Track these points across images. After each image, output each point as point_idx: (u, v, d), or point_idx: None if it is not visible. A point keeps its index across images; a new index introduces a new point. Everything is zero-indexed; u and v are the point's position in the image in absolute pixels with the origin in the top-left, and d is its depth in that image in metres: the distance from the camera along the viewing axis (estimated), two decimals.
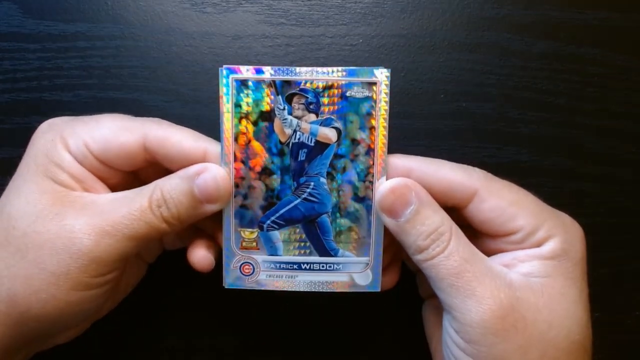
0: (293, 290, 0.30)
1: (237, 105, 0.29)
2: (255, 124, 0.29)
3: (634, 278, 0.37)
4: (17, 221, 0.26)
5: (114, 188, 0.30)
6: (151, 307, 0.36)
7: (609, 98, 0.36)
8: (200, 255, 0.30)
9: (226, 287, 0.30)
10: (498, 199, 0.28)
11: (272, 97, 0.29)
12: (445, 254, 0.27)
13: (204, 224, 0.31)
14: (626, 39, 0.36)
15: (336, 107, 0.29)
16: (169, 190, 0.27)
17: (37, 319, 0.26)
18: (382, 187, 0.28)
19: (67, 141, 0.28)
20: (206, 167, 0.28)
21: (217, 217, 0.29)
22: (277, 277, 0.30)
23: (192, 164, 0.28)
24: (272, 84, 0.28)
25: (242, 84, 0.28)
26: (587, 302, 0.28)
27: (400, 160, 0.29)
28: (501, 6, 0.36)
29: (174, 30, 0.35)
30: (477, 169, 0.29)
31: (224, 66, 0.28)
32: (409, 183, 0.28)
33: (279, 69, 0.28)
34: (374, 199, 0.29)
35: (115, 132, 0.28)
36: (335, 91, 0.29)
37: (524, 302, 0.26)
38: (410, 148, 0.35)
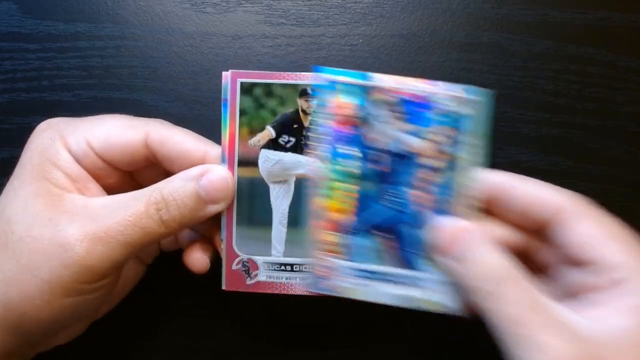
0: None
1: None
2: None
3: None
4: (15, 225, 0.26)
5: (110, 189, 0.29)
6: (151, 307, 0.36)
7: (609, 98, 0.36)
8: (195, 258, 0.30)
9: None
10: (588, 222, 0.26)
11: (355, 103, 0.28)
12: (504, 300, 0.24)
13: (201, 228, 0.31)
14: (626, 39, 0.36)
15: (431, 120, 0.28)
16: (170, 192, 0.27)
17: (34, 323, 0.26)
18: (436, 226, 0.27)
19: (67, 139, 0.28)
20: (210, 167, 0.28)
21: (216, 219, 0.29)
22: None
23: (191, 165, 0.28)
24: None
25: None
26: None
27: (488, 176, 0.28)
28: (501, 6, 0.36)
29: (174, 30, 0.35)
30: (567, 190, 0.28)
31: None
32: (466, 226, 0.27)
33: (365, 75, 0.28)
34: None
35: (118, 129, 0.28)
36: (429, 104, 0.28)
37: (599, 357, 0.23)
38: None
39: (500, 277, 0.25)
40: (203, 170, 0.28)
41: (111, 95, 0.35)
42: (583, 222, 0.26)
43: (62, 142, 0.28)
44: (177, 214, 0.27)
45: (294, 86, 0.29)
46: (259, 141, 0.29)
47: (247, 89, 0.28)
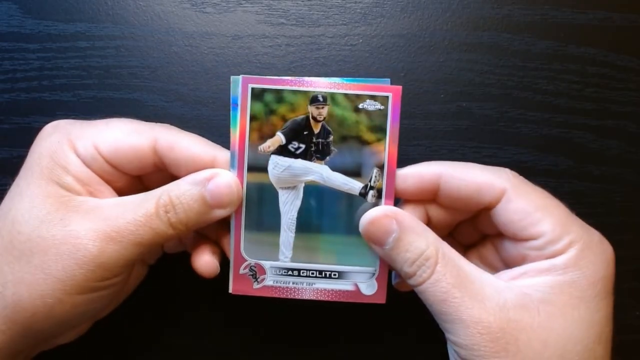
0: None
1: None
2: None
3: (634, 278, 0.37)
4: (22, 226, 0.26)
5: (118, 192, 0.29)
6: (152, 307, 0.36)
7: (609, 98, 0.36)
8: (204, 261, 0.30)
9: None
10: (525, 201, 0.27)
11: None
12: (431, 280, 0.26)
13: (208, 231, 0.31)
14: (626, 39, 0.36)
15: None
16: (178, 195, 0.27)
17: (43, 322, 0.26)
18: (363, 218, 0.28)
19: (75, 143, 0.28)
20: (217, 172, 0.28)
21: (224, 223, 0.29)
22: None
23: (199, 170, 0.28)
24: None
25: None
26: (601, 325, 0.26)
27: (428, 167, 0.29)
28: (501, 6, 0.36)
29: (174, 30, 0.35)
30: (507, 170, 0.29)
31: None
32: (388, 212, 0.28)
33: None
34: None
35: (126, 134, 0.28)
36: None
37: (517, 322, 0.25)
38: (410, 148, 0.36)
39: (428, 257, 0.27)
40: (210, 174, 0.28)
41: (111, 95, 0.35)
42: (520, 200, 0.28)
43: (70, 146, 0.28)
44: (183, 217, 0.27)
45: (304, 93, 0.29)
46: (268, 147, 0.29)
47: (257, 95, 0.28)
